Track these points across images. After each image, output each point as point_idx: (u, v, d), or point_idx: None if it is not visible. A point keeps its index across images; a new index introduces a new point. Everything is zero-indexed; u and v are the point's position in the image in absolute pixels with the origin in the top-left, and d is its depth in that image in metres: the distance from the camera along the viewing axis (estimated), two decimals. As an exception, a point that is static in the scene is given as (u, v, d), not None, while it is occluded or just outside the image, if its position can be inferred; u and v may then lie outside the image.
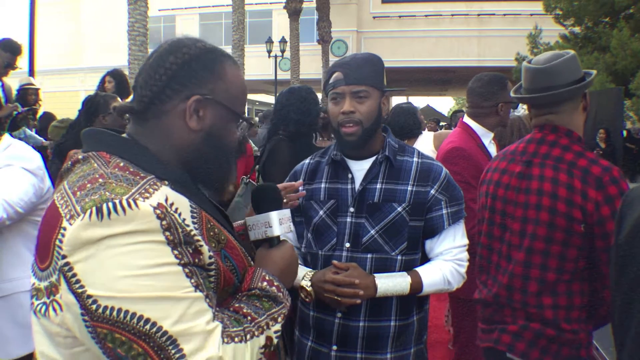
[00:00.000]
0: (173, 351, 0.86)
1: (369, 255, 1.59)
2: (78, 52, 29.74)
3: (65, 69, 28.87)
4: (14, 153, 2.03)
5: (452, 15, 24.58)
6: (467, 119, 2.72)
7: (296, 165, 1.84)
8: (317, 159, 1.76)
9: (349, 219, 1.61)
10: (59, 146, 2.72)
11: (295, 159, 2.65)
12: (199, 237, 0.95)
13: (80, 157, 1.02)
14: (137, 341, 0.85)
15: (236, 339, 0.94)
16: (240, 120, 1.13)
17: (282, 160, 2.77)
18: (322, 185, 1.69)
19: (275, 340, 1.03)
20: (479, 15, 24.31)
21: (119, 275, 0.85)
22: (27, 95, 4.94)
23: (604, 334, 2.81)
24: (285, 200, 1.51)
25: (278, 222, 1.21)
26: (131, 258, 0.86)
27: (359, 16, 25.66)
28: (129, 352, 0.85)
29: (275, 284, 1.10)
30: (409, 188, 1.60)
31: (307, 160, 1.79)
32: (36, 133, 5.12)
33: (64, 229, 0.88)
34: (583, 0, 14.93)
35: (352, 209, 1.61)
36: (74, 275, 0.86)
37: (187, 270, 0.90)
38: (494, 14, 24.06)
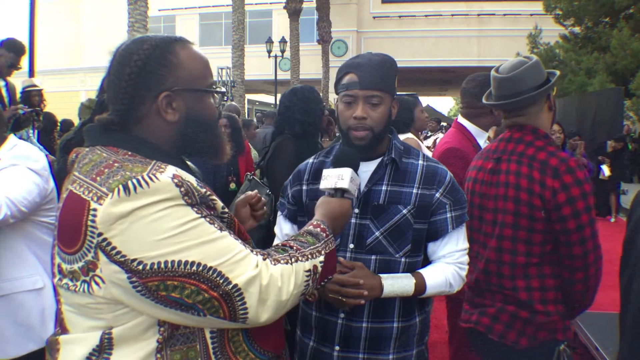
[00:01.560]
0: (220, 280, 1.00)
1: (373, 257, 1.58)
2: (78, 52, 29.75)
3: (65, 69, 28.88)
4: (19, 153, 2.05)
5: (452, 15, 24.59)
6: (461, 119, 2.74)
7: (299, 163, 1.82)
8: (321, 158, 1.74)
9: (353, 220, 1.59)
10: (68, 142, 2.74)
11: (300, 157, 2.65)
12: (214, 197, 1.10)
13: (85, 150, 1.12)
14: (188, 281, 0.99)
15: (282, 262, 1.10)
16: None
17: (287, 158, 2.76)
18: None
19: (319, 269, 1.16)
20: (479, 15, 24.32)
21: (155, 239, 0.97)
22: (31, 97, 4.94)
23: (604, 334, 2.81)
24: (257, 213, 1.54)
25: (349, 179, 1.37)
26: (161, 223, 0.98)
27: (359, 16, 25.68)
28: (183, 292, 0.99)
29: (322, 226, 1.24)
30: (414, 191, 1.59)
31: (310, 160, 1.77)
32: (39, 133, 5.13)
33: (94, 210, 0.98)
34: (583, 0, 14.93)
35: (356, 210, 1.59)
36: (113, 248, 0.97)
37: (208, 219, 1.04)
38: (494, 14, 24.08)
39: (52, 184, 2.13)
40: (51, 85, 27.43)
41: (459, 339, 2.61)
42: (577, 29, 16.29)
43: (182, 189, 1.02)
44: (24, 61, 4.66)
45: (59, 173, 2.54)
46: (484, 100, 2.09)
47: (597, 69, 14.07)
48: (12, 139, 2.10)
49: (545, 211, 1.80)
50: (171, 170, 1.04)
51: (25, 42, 4.69)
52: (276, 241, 1.80)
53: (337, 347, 1.60)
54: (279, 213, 1.79)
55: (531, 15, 21.10)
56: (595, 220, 1.79)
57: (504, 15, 23.88)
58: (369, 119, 1.55)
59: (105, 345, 1.03)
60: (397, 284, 1.53)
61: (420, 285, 1.55)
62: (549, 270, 1.84)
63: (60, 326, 1.12)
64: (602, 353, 2.78)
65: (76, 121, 5.84)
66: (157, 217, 0.98)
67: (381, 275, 1.55)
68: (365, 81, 1.54)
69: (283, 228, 1.77)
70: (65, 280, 1.04)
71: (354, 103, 1.57)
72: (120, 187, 0.98)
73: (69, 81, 28.70)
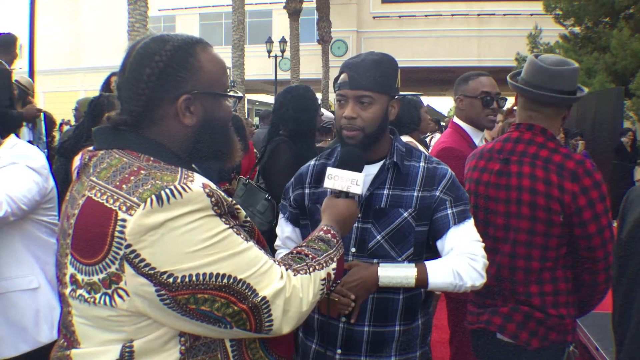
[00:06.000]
0: (249, 292, 1.00)
1: (375, 261, 1.57)
2: (78, 52, 29.72)
3: (65, 69, 28.85)
4: (19, 152, 2.04)
5: (452, 15, 24.56)
6: (456, 119, 2.76)
7: (297, 166, 1.82)
8: (323, 160, 1.72)
9: (355, 224, 1.57)
10: (63, 145, 2.74)
11: (296, 160, 2.63)
12: (237, 205, 1.10)
13: (100, 153, 1.07)
14: (219, 293, 0.97)
15: (301, 272, 1.10)
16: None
17: (284, 162, 2.74)
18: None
19: (332, 276, 1.17)
20: (479, 15, 24.29)
21: (187, 252, 0.95)
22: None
23: (604, 334, 2.81)
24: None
25: (362, 184, 1.39)
26: (193, 235, 0.96)
27: (359, 16, 25.64)
28: (213, 305, 0.97)
29: (332, 232, 1.25)
30: (415, 194, 1.58)
31: (312, 162, 1.75)
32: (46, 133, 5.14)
33: (123, 220, 0.95)
34: (583, 0, 14.91)
35: (358, 214, 1.58)
36: (142, 260, 0.94)
37: (235, 229, 1.04)
38: (494, 14, 24.04)
39: (51, 182, 2.12)
40: (51, 86, 27.46)
41: (460, 340, 2.61)
42: (577, 29, 16.25)
43: (213, 199, 1.00)
44: (22, 62, 4.65)
45: (58, 174, 2.53)
46: (508, 79, 1.97)
47: (597, 69, 14.04)
48: (12, 137, 2.10)
49: (564, 215, 1.75)
50: (199, 178, 1.02)
51: (25, 42, 4.69)
52: (277, 242, 1.79)
53: (339, 351, 1.59)
54: (280, 215, 1.79)
55: (531, 15, 21.04)
56: (612, 221, 1.74)
57: (504, 15, 23.84)
58: (359, 119, 1.54)
59: (126, 359, 1.00)
60: (394, 272, 1.49)
61: (422, 273, 1.48)
62: (562, 273, 1.82)
63: (68, 339, 1.08)
64: (602, 353, 2.77)
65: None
66: (190, 229, 0.95)
67: (381, 264, 1.52)
68: (355, 81, 1.54)
69: (284, 230, 1.76)
70: (80, 292, 1.00)
71: (345, 102, 1.57)
72: (153, 197, 0.95)
73: (69, 81, 28.68)
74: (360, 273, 1.49)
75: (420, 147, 3.49)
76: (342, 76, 1.58)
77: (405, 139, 3.47)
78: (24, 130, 4.66)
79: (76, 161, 1.14)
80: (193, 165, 1.23)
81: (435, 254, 1.62)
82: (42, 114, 4.91)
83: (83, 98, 5.02)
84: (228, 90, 1.17)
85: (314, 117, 2.94)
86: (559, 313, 1.80)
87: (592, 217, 1.72)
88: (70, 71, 29.02)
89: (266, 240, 2.68)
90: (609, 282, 1.74)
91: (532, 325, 1.81)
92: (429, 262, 1.55)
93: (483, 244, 1.58)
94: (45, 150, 4.83)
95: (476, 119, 2.65)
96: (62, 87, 28.09)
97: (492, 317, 1.89)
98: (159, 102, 1.07)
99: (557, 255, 1.80)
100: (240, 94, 1.22)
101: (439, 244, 1.61)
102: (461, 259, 1.52)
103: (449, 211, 1.58)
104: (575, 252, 1.80)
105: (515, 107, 2.04)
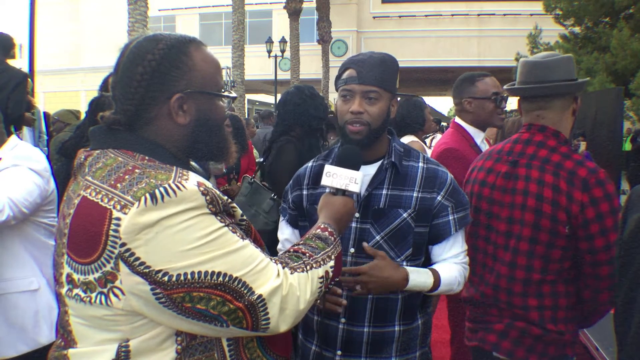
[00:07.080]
0: (245, 290, 0.99)
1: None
2: (78, 52, 29.74)
3: (66, 69, 28.87)
4: (21, 153, 2.04)
5: (452, 15, 24.58)
6: (458, 119, 2.73)
7: (301, 166, 1.81)
8: (321, 162, 1.71)
9: (353, 224, 1.58)
10: (64, 144, 2.74)
11: (302, 160, 2.64)
12: (233, 204, 1.10)
13: (95, 153, 1.07)
14: (214, 292, 0.97)
15: (298, 270, 1.09)
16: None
17: (290, 162, 2.74)
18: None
19: (330, 274, 1.16)
20: (479, 15, 24.31)
21: (182, 250, 0.95)
22: None
23: (604, 334, 2.81)
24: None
25: (361, 182, 1.38)
26: (188, 233, 0.96)
27: (359, 16, 25.66)
28: (208, 304, 0.97)
29: (329, 230, 1.24)
30: (415, 194, 1.58)
31: (309, 164, 1.75)
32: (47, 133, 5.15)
33: (118, 219, 0.94)
34: (583, 0, 14.91)
35: (357, 214, 1.58)
36: (137, 258, 0.94)
37: (230, 227, 1.03)
38: (494, 14, 24.07)
39: (52, 184, 2.11)
40: (51, 86, 27.47)
41: (460, 340, 2.60)
42: (577, 29, 16.25)
43: (208, 197, 1.00)
44: (22, 61, 4.64)
45: (58, 174, 2.53)
46: (506, 89, 1.94)
47: (597, 69, 14.04)
48: (13, 138, 2.10)
49: (570, 227, 1.65)
50: (194, 177, 1.02)
51: (25, 42, 4.67)
52: (279, 246, 1.79)
53: (339, 352, 1.59)
54: (281, 218, 1.78)
55: (531, 15, 21.05)
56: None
57: (504, 15, 23.86)
58: (366, 114, 1.54)
59: (122, 358, 1.00)
60: (419, 278, 1.52)
61: (436, 280, 1.54)
62: (563, 288, 1.72)
63: (66, 338, 1.08)
64: (602, 353, 2.78)
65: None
66: (184, 227, 0.95)
67: (407, 267, 1.53)
68: (363, 76, 1.54)
69: (284, 233, 1.76)
70: (76, 291, 1.00)
71: (351, 98, 1.56)
72: (147, 195, 0.94)
73: (69, 81, 28.70)
74: (388, 272, 1.48)
75: (427, 150, 3.49)
76: (348, 72, 1.57)
77: (410, 139, 3.47)
78: (26, 131, 4.66)
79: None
80: (193, 163, 1.23)
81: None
82: (42, 113, 4.91)
83: (61, 109, 4.99)
84: (223, 89, 1.16)
85: (327, 114, 2.99)
86: (557, 329, 1.71)
87: (599, 232, 1.61)
88: (70, 71, 29.03)
89: (273, 242, 2.66)
90: (612, 303, 1.64)
91: (529, 342, 1.72)
92: (439, 270, 1.58)
93: (466, 250, 1.67)
94: (46, 149, 4.84)
95: (488, 119, 2.63)
96: (62, 87, 28.11)
97: (487, 335, 1.81)
98: (152, 101, 1.07)
99: (560, 269, 1.70)
100: (234, 94, 1.21)
101: (436, 248, 1.62)
102: (459, 267, 1.62)
103: (450, 217, 1.59)
104: (579, 267, 1.70)
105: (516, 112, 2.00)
